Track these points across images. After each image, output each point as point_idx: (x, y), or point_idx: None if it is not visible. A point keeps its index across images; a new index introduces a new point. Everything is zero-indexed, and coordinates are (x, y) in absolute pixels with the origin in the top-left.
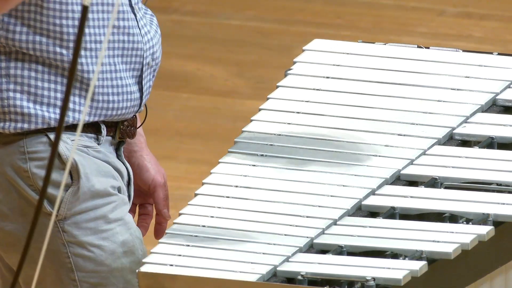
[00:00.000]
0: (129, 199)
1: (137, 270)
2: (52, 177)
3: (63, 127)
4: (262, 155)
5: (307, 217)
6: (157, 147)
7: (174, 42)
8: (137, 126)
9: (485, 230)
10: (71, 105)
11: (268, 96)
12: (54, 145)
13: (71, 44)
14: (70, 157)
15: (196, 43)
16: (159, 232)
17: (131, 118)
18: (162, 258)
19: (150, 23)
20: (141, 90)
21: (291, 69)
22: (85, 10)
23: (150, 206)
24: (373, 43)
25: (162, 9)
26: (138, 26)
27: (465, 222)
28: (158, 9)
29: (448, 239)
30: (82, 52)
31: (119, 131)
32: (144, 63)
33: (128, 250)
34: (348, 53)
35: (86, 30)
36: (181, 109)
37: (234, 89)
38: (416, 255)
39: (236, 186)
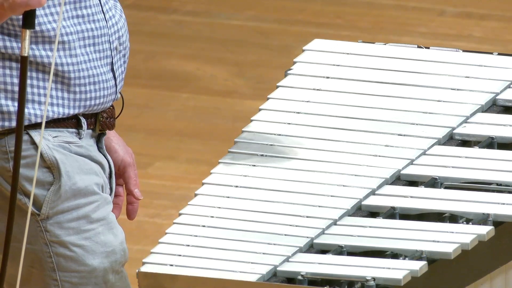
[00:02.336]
0: (111, 191)
1: (137, 270)
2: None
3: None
4: (262, 155)
5: (307, 217)
6: (157, 147)
7: (174, 42)
8: (116, 117)
9: (485, 230)
10: (49, 100)
11: (268, 96)
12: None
13: (39, 40)
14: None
15: (196, 43)
16: (132, 212)
17: (109, 109)
18: (162, 258)
19: (115, 7)
20: (114, 76)
21: (291, 69)
22: (24, 60)
23: (121, 187)
24: (373, 43)
25: (162, 9)
26: (103, 11)
27: (465, 222)
28: (158, 9)
29: (448, 239)
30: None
31: (99, 123)
32: (112, 48)
33: (110, 251)
34: (348, 53)
35: (55, 24)
36: (181, 109)
37: (234, 89)
38: (416, 255)
39: (236, 186)
